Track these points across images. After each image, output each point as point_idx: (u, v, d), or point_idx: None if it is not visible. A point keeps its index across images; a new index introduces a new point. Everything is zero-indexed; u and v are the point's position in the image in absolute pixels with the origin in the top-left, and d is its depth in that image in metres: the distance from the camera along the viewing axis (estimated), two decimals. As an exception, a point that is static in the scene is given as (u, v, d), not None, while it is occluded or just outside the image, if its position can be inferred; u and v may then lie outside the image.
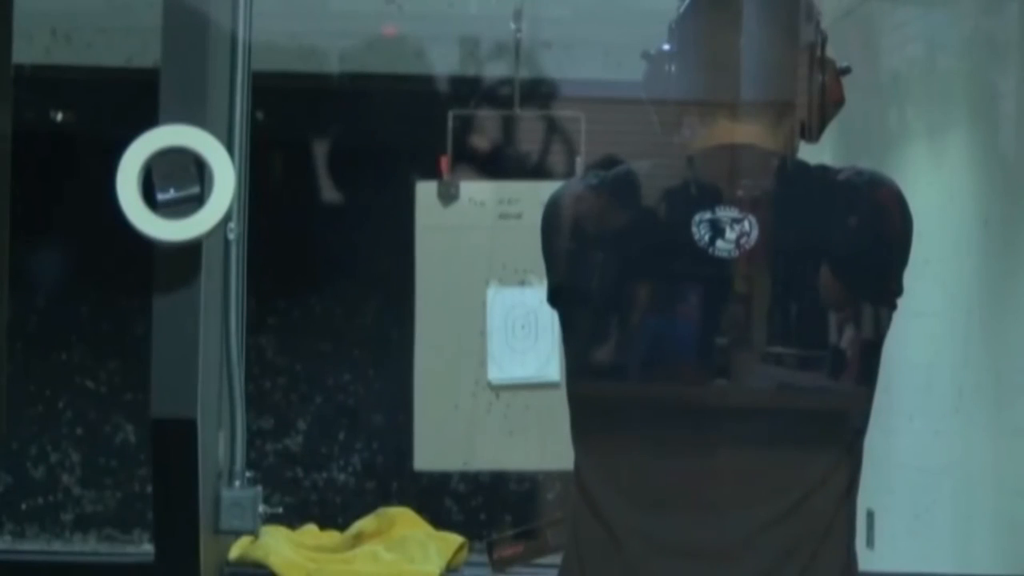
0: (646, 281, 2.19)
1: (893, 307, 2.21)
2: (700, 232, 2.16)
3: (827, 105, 2.32)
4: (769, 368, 2.18)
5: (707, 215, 2.16)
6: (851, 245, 2.18)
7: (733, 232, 2.15)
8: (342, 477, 6.27)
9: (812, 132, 2.31)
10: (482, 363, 3.45)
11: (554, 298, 2.27)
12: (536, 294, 3.35)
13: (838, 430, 2.20)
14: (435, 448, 3.50)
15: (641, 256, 2.19)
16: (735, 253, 2.15)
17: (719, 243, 2.15)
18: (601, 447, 2.21)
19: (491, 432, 3.45)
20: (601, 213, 2.22)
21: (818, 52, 2.29)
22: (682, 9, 2.30)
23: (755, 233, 2.15)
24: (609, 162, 2.32)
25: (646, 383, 2.20)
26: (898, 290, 2.21)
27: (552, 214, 2.26)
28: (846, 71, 2.33)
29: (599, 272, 2.19)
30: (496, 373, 3.44)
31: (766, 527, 2.15)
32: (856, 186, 2.20)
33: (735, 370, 2.18)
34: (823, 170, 2.23)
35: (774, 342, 2.18)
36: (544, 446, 3.43)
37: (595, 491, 2.20)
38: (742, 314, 2.17)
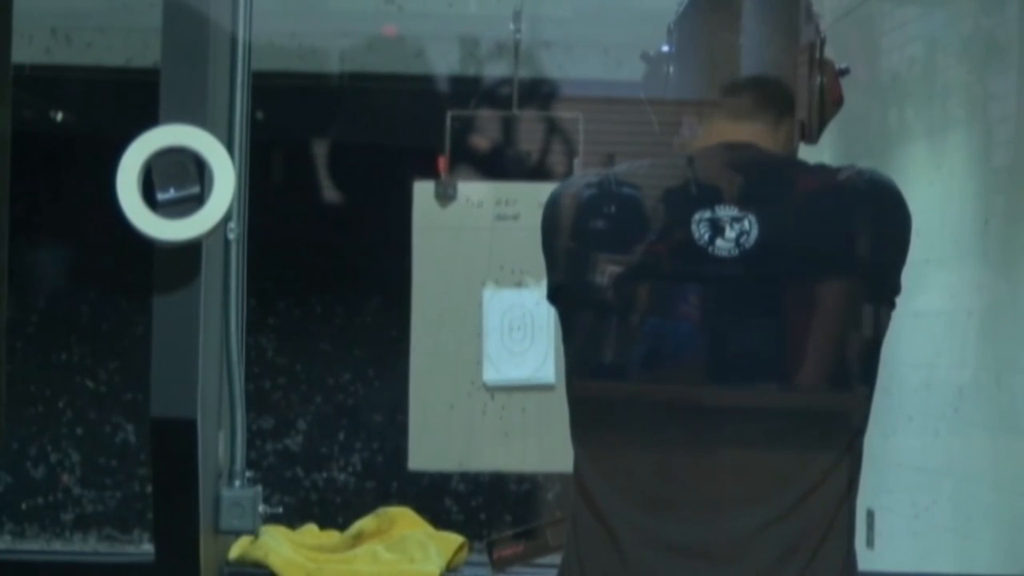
0: (646, 280, 2.19)
1: (892, 306, 2.21)
2: (700, 231, 2.16)
3: (826, 106, 2.32)
4: (768, 368, 2.18)
5: (707, 214, 2.16)
6: (850, 244, 2.18)
7: (733, 231, 2.15)
8: (342, 477, 6.27)
9: (811, 133, 2.31)
10: (478, 364, 3.44)
11: (554, 296, 2.27)
12: (532, 296, 3.35)
13: (837, 430, 2.20)
14: (430, 448, 3.49)
15: (641, 255, 2.19)
16: (735, 252, 2.15)
17: (719, 242, 2.16)
18: (601, 446, 2.21)
19: (486, 433, 3.44)
20: (601, 211, 2.22)
21: (817, 53, 2.29)
22: (681, 10, 2.31)
23: (755, 232, 2.15)
24: (609, 162, 2.32)
25: (646, 382, 2.20)
26: (897, 289, 2.21)
27: (552, 212, 2.26)
28: (845, 72, 2.34)
29: (598, 271, 2.19)
30: (492, 374, 3.43)
31: (766, 527, 2.15)
32: (855, 185, 2.21)
33: (734, 369, 2.18)
34: (822, 169, 2.24)
35: (773, 341, 2.18)
36: (539, 448, 3.42)
37: (595, 491, 2.20)
38: (741, 313, 2.17)
